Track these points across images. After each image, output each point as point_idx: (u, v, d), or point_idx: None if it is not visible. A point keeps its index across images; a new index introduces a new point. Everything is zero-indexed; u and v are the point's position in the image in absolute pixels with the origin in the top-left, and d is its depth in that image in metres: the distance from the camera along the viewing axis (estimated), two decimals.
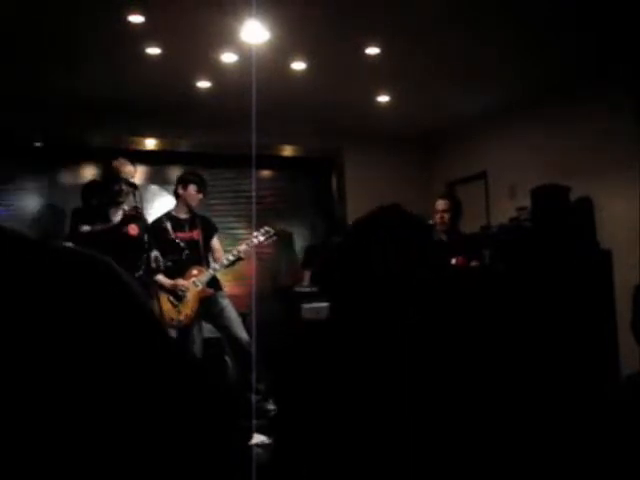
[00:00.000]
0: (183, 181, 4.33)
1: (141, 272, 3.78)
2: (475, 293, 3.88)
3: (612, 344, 4.17)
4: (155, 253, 3.84)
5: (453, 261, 4.28)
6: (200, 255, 4.25)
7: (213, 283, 4.27)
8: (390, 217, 1.31)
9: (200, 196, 4.32)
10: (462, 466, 1.11)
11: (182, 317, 4.12)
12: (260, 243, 4.29)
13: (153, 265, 3.87)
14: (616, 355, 4.17)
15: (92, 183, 4.77)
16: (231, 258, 4.23)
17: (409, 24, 3.75)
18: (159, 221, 4.31)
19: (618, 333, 4.15)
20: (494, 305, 3.63)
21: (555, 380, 2.73)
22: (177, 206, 4.36)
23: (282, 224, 5.84)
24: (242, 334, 4.22)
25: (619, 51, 4.14)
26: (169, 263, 4.15)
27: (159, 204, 5.32)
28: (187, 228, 4.30)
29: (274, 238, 4.38)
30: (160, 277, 4.13)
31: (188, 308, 4.15)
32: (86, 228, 3.90)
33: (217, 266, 4.24)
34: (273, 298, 5.30)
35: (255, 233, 4.31)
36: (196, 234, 4.29)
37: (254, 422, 3.88)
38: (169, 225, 4.27)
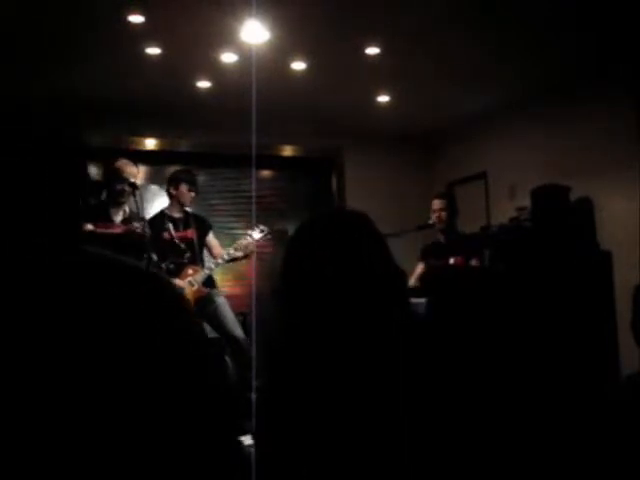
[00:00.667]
0: (174, 180, 4.33)
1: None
2: (475, 293, 3.88)
3: (612, 344, 4.17)
4: (152, 256, 3.85)
5: (451, 261, 4.29)
6: (195, 254, 4.24)
7: (208, 282, 4.27)
8: (324, 220, 1.32)
9: (192, 194, 4.32)
10: (462, 466, 1.11)
11: None
12: (255, 241, 4.29)
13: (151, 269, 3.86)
14: (616, 355, 4.17)
15: (90, 184, 4.77)
16: (226, 257, 4.23)
17: (409, 24, 3.75)
18: (153, 220, 4.29)
19: (618, 333, 4.15)
20: (494, 305, 3.63)
21: (555, 380, 2.73)
22: (171, 205, 4.36)
23: (282, 224, 5.84)
24: (237, 331, 4.21)
25: (619, 51, 4.14)
26: (172, 265, 4.15)
27: (159, 204, 5.31)
28: (181, 227, 4.30)
29: (269, 237, 4.38)
30: None
31: None
32: (89, 227, 3.89)
33: (212, 265, 4.24)
34: (272, 298, 5.28)
35: (249, 231, 4.31)
36: (190, 233, 4.28)
37: (254, 422, 3.88)
38: (164, 225, 4.27)
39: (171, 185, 4.32)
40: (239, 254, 4.25)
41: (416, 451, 1.09)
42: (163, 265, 4.03)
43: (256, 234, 4.28)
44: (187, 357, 0.74)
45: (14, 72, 4.29)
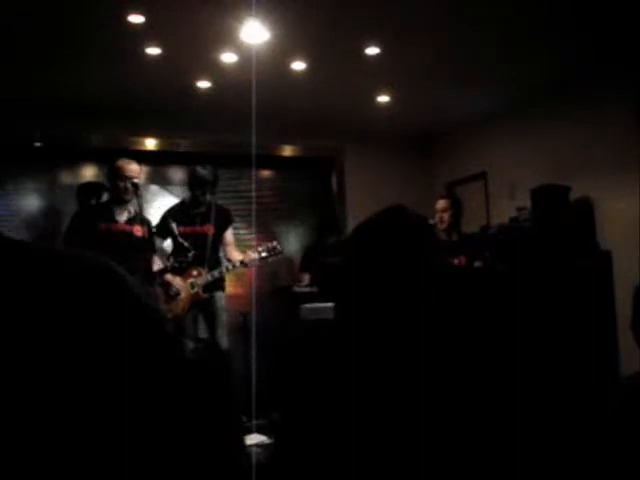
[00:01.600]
0: (190, 177, 4.35)
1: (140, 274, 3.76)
2: (475, 293, 3.88)
3: (612, 344, 4.17)
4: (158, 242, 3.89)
5: (455, 261, 4.29)
6: (206, 252, 4.18)
7: (217, 284, 4.23)
8: (390, 220, 1.31)
9: (207, 196, 4.31)
10: (462, 466, 1.12)
11: (170, 315, 4.05)
12: (263, 259, 4.22)
13: (155, 268, 3.90)
14: (616, 355, 4.17)
15: (87, 184, 4.77)
16: (230, 268, 4.20)
17: (409, 24, 3.75)
18: (169, 213, 4.33)
19: (618, 333, 4.15)
20: (493, 305, 3.63)
21: (554, 381, 2.73)
22: (191, 199, 4.33)
23: (282, 224, 5.85)
24: (221, 340, 4.17)
25: (619, 51, 4.14)
26: (176, 264, 4.15)
27: (159, 204, 5.31)
28: (199, 221, 4.27)
29: (279, 256, 4.33)
30: (158, 267, 4.15)
31: (178, 308, 4.10)
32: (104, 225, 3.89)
33: (216, 273, 4.17)
34: (272, 298, 5.31)
35: (260, 248, 4.25)
36: (207, 228, 4.22)
37: (254, 422, 3.89)
38: (177, 219, 4.27)
39: (189, 184, 4.34)
40: (245, 266, 4.23)
41: (423, 452, 1.09)
42: (168, 264, 4.03)
43: (264, 252, 4.22)
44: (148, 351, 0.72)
45: (14, 72, 4.29)
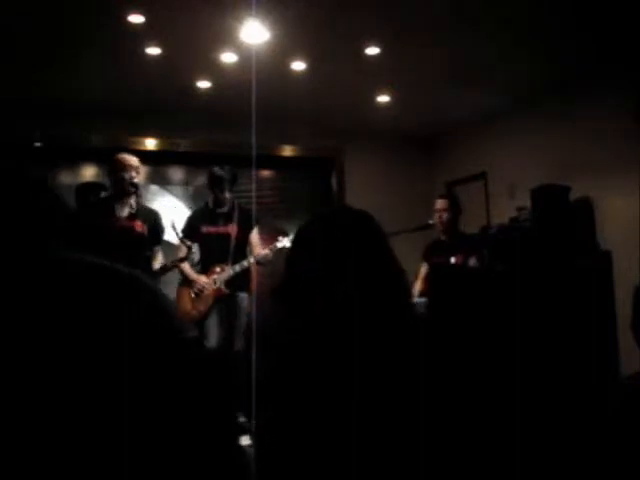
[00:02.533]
0: (208, 178, 4.40)
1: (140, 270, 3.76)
2: (475, 293, 3.88)
3: (612, 344, 4.17)
4: (189, 244, 3.97)
5: (452, 260, 4.29)
6: (229, 251, 4.25)
7: (241, 283, 4.31)
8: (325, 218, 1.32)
9: (226, 194, 4.35)
10: (462, 467, 1.11)
11: (195, 312, 4.21)
12: (280, 250, 4.27)
13: (182, 255, 3.97)
14: (616, 355, 4.17)
15: (86, 184, 4.77)
16: (245, 264, 4.25)
17: (409, 24, 3.75)
18: (193, 216, 4.45)
19: (618, 333, 4.15)
20: (493, 305, 3.62)
21: (554, 381, 2.73)
22: (212, 199, 4.40)
23: (281, 224, 5.84)
24: (237, 343, 4.26)
25: (619, 51, 4.14)
26: (171, 264, 4.18)
27: (159, 204, 5.31)
28: (221, 222, 4.34)
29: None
30: (187, 269, 4.27)
31: (202, 304, 4.24)
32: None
33: (238, 267, 4.25)
34: (271, 298, 5.30)
35: (280, 237, 4.30)
36: (230, 228, 4.30)
37: (254, 422, 3.88)
38: (201, 221, 4.36)
39: (209, 184, 4.38)
40: (259, 262, 4.29)
41: (420, 452, 1.09)
42: (167, 264, 4.04)
43: (279, 244, 4.27)
44: (167, 358, 0.73)
45: (14, 72, 4.29)
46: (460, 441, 1.11)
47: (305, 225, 1.31)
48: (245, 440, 3.74)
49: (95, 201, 4.23)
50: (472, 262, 4.30)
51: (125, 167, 3.88)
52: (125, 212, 3.95)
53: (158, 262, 4.05)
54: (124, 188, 3.88)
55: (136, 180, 3.90)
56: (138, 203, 3.93)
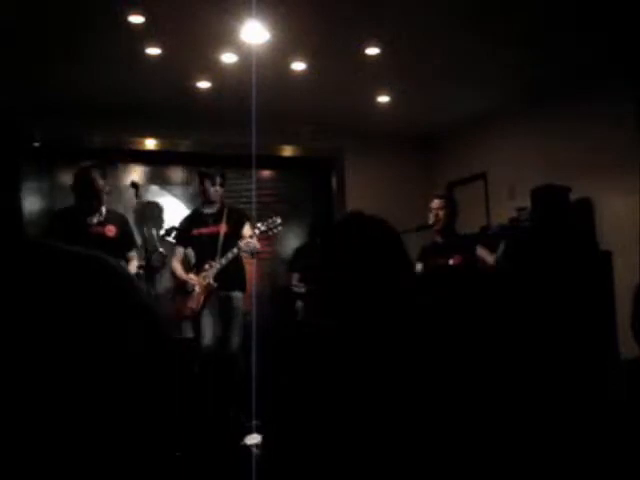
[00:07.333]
0: (198, 178, 4.51)
1: None
2: (475, 293, 3.88)
3: (612, 344, 4.17)
4: (180, 249, 4.17)
5: (450, 262, 4.28)
6: (216, 249, 4.30)
7: (235, 282, 4.35)
8: (353, 223, 1.35)
9: (217, 189, 4.42)
10: (462, 465, 1.12)
11: (188, 311, 4.27)
12: (262, 234, 4.31)
13: (156, 264, 4.01)
14: (616, 356, 4.17)
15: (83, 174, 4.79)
16: (230, 256, 4.26)
17: (409, 24, 3.75)
18: (185, 220, 4.56)
19: (618, 334, 4.15)
20: (493, 305, 3.63)
21: (554, 381, 2.73)
22: (202, 202, 4.51)
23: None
24: (233, 341, 4.28)
25: (619, 51, 4.14)
26: (158, 263, 4.26)
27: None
28: (211, 222, 4.41)
29: (279, 228, 4.39)
30: (178, 270, 4.37)
31: (194, 302, 4.28)
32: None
33: (224, 260, 4.28)
34: (271, 298, 5.33)
35: (258, 224, 4.33)
36: (220, 228, 4.36)
37: (254, 422, 3.88)
38: (191, 224, 4.46)
39: (199, 183, 4.49)
40: (243, 254, 4.33)
41: (420, 449, 1.09)
42: (144, 263, 4.12)
43: (263, 226, 4.31)
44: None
45: (14, 72, 4.29)
46: (462, 438, 1.11)
47: (333, 230, 1.34)
48: (249, 440, 3.74)
49: (65, 210, 4.23)
50: (451, 262, 4.28)
51: (95, 189, 3.96)
52: (95, 219, 3.99)
53: (134, 267, 4.10)
54: (93, 203, 3.97)
55: (136, 180, 3.94)
56: (106, 209, 3.99)
